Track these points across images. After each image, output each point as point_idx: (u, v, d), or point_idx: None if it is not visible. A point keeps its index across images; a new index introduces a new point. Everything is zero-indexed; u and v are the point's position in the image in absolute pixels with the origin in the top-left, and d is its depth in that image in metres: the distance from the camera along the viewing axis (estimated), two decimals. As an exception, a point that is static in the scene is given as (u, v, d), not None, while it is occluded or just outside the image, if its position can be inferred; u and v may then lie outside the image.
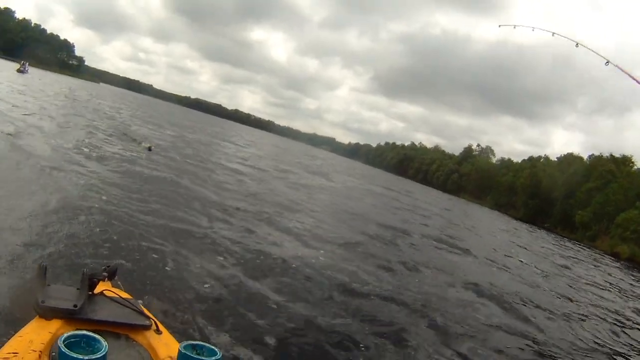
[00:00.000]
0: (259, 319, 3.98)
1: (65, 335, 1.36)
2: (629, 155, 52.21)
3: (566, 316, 7.50)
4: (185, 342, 1.59)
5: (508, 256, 13.50)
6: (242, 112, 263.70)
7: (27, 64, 46.76)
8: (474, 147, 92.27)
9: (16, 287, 3.12)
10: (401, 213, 17.49)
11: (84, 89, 50.14)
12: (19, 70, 42.07)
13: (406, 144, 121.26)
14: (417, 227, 13.95)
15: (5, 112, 12.01)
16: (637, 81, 6.52)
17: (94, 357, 1.29)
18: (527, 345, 5.39)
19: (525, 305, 7.31)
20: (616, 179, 47.45)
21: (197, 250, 5.27)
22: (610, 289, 12.98)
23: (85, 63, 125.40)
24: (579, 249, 30.60)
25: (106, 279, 2.32)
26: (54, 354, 1.58)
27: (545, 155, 73.10)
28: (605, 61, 6.97)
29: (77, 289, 2.02)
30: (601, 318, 8.24)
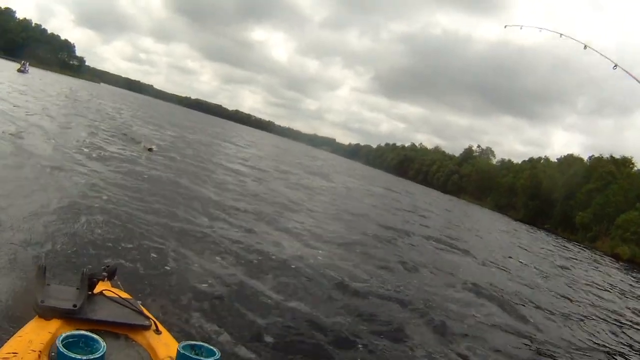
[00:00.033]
0: (259, 318, 3.99)
1: (64, 335, 1.36)
2: (629, 157, 52.23)
3: (565, 316, 7.51)
4: (184, 342, 1.59)
5: (508, 257, 13.50)
6: (242, 112, 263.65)
7: (28, 64, 46.81)
8: (475, 148, 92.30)
9: (16, 287, 3.12)
10: (401, 214, 17.49)
11: (85, 89, 50.17)
12: (19, 70, 42.13)
13: (406, 145, 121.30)
14: (417, 227, 13.95)
15: (6, 112, 12.03)
16: None
17: (92, 357, 1.29)
18: (525, 344, 5.40)
19: (524, 306, 7.32)
20: (616, 180, 47.42)
21: (197, 250, 5.29)
22: (610, 290, 12.98)
23: (86, 63, 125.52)
24: (579, 250, 30.58)
25: (106, 278, 2.32)
26: (53, 354, 1.58)
27: (545, 156, 73.11)
28: (613, 65, 6.93)
29: (77, 288, 2.02)
30: (601, 318, 8.24)
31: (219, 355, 1.55)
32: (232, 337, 3.52)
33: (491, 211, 57.10)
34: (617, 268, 23.47)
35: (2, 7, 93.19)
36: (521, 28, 9.40)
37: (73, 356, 1.26)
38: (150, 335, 1.93)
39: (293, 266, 5.73)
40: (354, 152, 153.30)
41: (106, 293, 2.10)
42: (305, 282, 5.30)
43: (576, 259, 21.09)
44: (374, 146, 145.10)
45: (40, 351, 1.58)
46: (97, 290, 2.09)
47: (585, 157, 60.80)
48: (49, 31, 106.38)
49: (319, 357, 3.70)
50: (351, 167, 65.01)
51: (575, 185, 51.35)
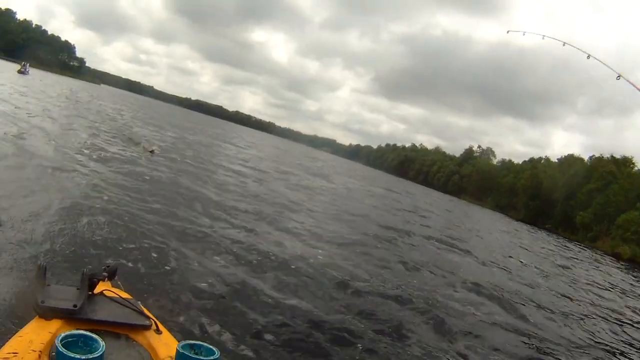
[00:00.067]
0: (259, 317, 4.00)
1: (63, 334, 1.36)
2: (630, 156, 52.27)
3: (566, 315, 7.52)
4: (184, 342, 1.59)
5: (508, 257, 13.51)
6: (242, 113, 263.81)
7: (28, 64, 46.79)
8: (475, 148, 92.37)
9: (16, 287, 3.13)
10: (402, 214, 17.49)
11: (85, 90, 50.21)
12: (19, 71, 42.11)
13: (407, 146, 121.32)
14: (418, 228, 13.95)
15: (8, 113, 12.06)
16: None
17: (91, 356, 1.29)
18: (525, 343, 5.41)
19: (525, 305, 7.32)
20: (617, 180, 47.45)
21: (197, 250, 5.30)
22: (611, 289, 12.98)
23: (86, 64, 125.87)
24: (580, 249, 30.57)
25: (106, 279, 2.32)
26: (53, 353, 1.58)
27: (545, 156, 73.11)
28: (617, 75, 6.95)
29: (77, 289, 2.02)
30: (601, 317, 8.25)
31: (218, 354, 1.55)
32: (232, 337, 3.53)
33: (492, 211, 57.10)
34: (618, 267, 23.47)
35: (3, 8, 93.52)
36: (524, 34, 9.42)
37: (72, 356, 1.26)
38: (150, 335, 1.93)
39: (293, 266, 5.74)
40: (355, 153, 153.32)
41: (106, 293, 2.09)
42: (305, 281, 5.31)
43: (577, 259, 21.09)
44: (375, 147, 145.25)
45: (40, 351, 1.58)
46: (97, 290, 2.09)
47: (586, 157, 60.96)
48: (49, 32, 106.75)
49: (319, 356, 3.71)
50: (351, 168, 65.02)
51: (576, 185, 51.38)
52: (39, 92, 25.38)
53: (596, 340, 6.52)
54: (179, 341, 1.72)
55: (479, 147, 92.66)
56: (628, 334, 7.54)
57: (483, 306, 6.46)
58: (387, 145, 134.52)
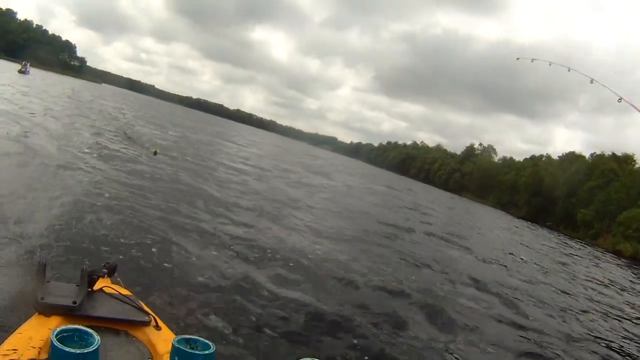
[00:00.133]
0: (259, 312, 4.05)
1: (58, 329, 1.36)
2: (631, 154, 52.17)
3: (564, 311, 7.56)
4: (179, 336, 1.59)
5: (509, 254, 13.54)
6: (243, 112, 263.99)
7: (29, 64, 46.84)
8: (476, 146, 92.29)
9: (16, 284, 3.16)
10: (402, 211, 17.53)
11: (87, 89, 50.27)
12: (20, 71, 42.16)
13: (408, 143, 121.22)
14: (419, 225, 13.99)
15: (11, 113, 12.13)
16: None
17: (86, 351, 1.29)
18: (523, 337, 5.46)
19: (524, 300, 7.36)
20: (618, 177, 47.37)
21: (198, 246, 5.34)
22: (611, 286, 13.01)
23: (87, 64, 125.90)
24: (581, 247, 30.56)
25: (106, 275, 2.32)
26: None
27: (547, 154, 72.96)
28: (618, 98, 7.09)
29: (77, 285, 2.02)
30: (600, 313, 8.29)
31: (214, 348, 1.55)
32: (232, 331, 3.57)
33: (493, 209, 57.06)
34: (619, 265, 23.48)
35: (3, 8, 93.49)
36: (532, 61, 9.77)
37: (67, 350, 1.26)
38: (150, 331, 1.94)
39: (292, 262, 5.78)
40: (356, 151, 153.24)
41: (106, 290, 2.09)
42: (304, 276, 5.36)
43: (577, 256, 21.10)
44: (376, 145, 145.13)
45: (40, 348, 1.59)
46: (97, 287, 2.08)
47: (587, 155, 60.83)
48: (50, 32, 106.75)
49: (317, 349, 3.76)
50: (352, 166, 65.02)
51: (577, 182, 51.31)
52: (41, 91, 25.44)
53: (594, 334, 6.57)
54: None
55: (480, 144, 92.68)
56: (627, 330, 7.59)
57: (482, 301, 6.51)
58: (388, 143, 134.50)
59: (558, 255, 18.37)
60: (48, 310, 1.83)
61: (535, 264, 12.84)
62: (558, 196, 53.66)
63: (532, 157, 71.69)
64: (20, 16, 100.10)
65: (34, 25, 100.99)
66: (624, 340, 6.85)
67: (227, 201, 8.71)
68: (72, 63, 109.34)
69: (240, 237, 6.24)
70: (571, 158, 61.34)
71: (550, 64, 9.41)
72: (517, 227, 31.36)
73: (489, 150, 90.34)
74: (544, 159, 69.32)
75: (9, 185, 5.64)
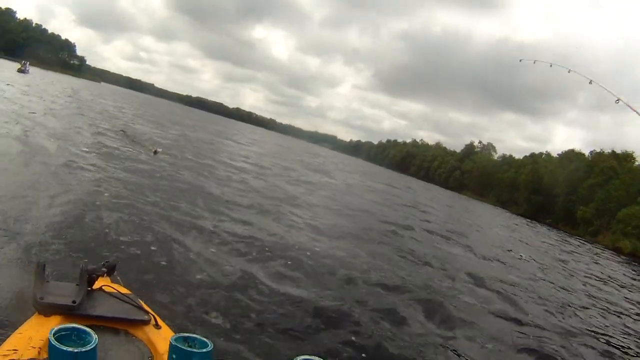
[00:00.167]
0: (260, 310, 4.06)
1: (56, 328, 1.36)
2: (631, 151, 52.23)
3: (563, 306, 7.59)
4: (177, 335, 1.58)
5: (508, 251, 13.58)
6: (243, 110, 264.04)
7: (28, 63, 46.80)
8: (476, 143, 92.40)
9: (15, 284, 3.16)
10: (402, 209, 17.56)
11: (87, 88, 50.25)
12: (19, 70, 42.13)
13: (408, 141, 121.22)
14: (418, 222, 14.01)
15: (11, 112, 12.16)
16: None
17: (83, 349, 1.28)
18: (522, 332, 5.48)
19: (522, 297, 7.39)
20: (618, 175, 47.43)
21: (197, 244, 5.35)
22: (611, 282, 13.04)
23: (87, 62, 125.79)
24: (581, 244, 30.61)
25: (105, 274, 2.31)
26: None
27: (546, 151, 73.08)
28: (616, 99, 7.16)
29: (76, 285, 2.02)
30: (599, 309, 8.32)
31: (212, 346, 1.54)
32: (232, 328, 3.59)
33: (493, 207, 57.11)
34: (619, 262, 23.53)
35: (3, 7, 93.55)
36: (534, 62, 10.09)
37: (64, 349, 1.26)
38: (150, 330, 1.94)
39: (291, 260, 5.78)
40: (356, 149, 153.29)
41: (105, 289, 2.09)
42: (303, 272, 5.38)
43: (577, 253, 21.15)
44: (376, 143, 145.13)
45: (40, 348, 1.60)
46: (96, 286, 2.08)
47: (587, 152, 60.88)
48: (49, 31, 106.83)
49: (317, 345, 3.78)
50: (352, 164, 65.02)
51: (577, 180, 51.39)
52: (41, 90, 25.45)
53: (593, 330, 6.60)
54: None
55: (480, 142, 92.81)
56: (626, 326, 7.62)
57: (481, 297, 6.54)
58: (388, 141, 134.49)
59: (558, 252, 18.41)
60: (48, 310, 1.84)
61: (535, 260, 12.87)
62: (558, 194, 53.72)
63: (532, 155, 71.81)
64: (20, 15, 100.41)
65: (34, 24, 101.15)
66: (623, 336, 6.88)
67: (227, 199, 8.73)
68: (71, 62, 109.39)
69: (240, 235, 6.26)
70: (571, 156, 61.40)
71: (551, 66, 9.50)
72: (516, 225, 31.39)
73: (489, 148, 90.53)
74: (543, 156, 69.40)
75: (9, 184, 5.66)
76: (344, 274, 5.75)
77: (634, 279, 16.26)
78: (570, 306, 7.82)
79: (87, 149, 9.87)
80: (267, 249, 5.95)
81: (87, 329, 1.38)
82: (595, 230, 43.42)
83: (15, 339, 1.66)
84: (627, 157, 51.89)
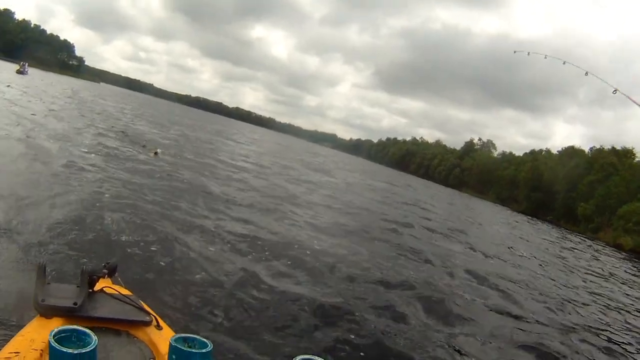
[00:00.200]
0: (260, 309, 4.08)
1: (56, 330, 1.36)
2: (631, 147, 52.15)
3: (563, 303, 7.60)
4: (177, 335, 1.58)
5: (508, 247, 13.59)
6: (243, 109, 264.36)
7: (27, 64, 46.73)
8: (476, 141, 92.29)
9: (16, 286, 3.17)
10: (402, 207, 17.57)
11: (86, 89, 50.26)
12: (18, 71, 42.05)
13: (408, 139, 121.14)
14: (418, 220, 14.02)
15: (12, 113, 12.17)
16: None
17: (83, 351, 1.29)
18: (521, 329, 5.50)
19: (523, 293, 7.41)
20: (618, 171, 47.37)
21: (198, 244, 5.36)
22: (612, 279, 13.05)
23: (86, 63, 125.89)
24: (581, 240, 30.61)
25: (106, 275, 2.33)
26: None
27: (546, 148, 73.00)
28: (614, 89, 7.19)
29: (77, 286, 2.02)
30: (602, 305, 8.33)
31: (211, 347, 1.54)
32: (233, 328, 3.61)
33: (493, 204, 57.11)
34: (620, 258, 23.53)
35: (1, 8, 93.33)
36: (528, 54, 10.22)
37: (64, 350, 1.26)
38: (151, 331, 1.94)
39: (291, 259, 5.79)
40: (356, 147, 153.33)
41: (107, 290, 2.10)
42: (305, 272, 5.39)
43: (578, 250, 21.15)
44: (375, 141, 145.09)
45: (41, 350, 1.60)
46: (97, 287, 2.09)
47: (587, 149, 60.82)
48: (48, 32, 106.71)
49: (318, 342, 3.79)
50: (352, 162, 65.03)
51: (577, 176, 51.33)
52: (40, 91, 25.45)
53: (593, 326, 6.61)
54: None
55: (480, 139, 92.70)
56: (627, 322, 7.63)
57: (482, 294, 6.55)
58: (388, 139, 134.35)
59: (558, 249, 18.42)
60: (49, 312, 1.84)
61: (535, 257, 12.89)
62: (558, 190, 53.68)
63: (532, 152, 71.74)
64: (18, 16, 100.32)
65: (32, 25, 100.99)
66: (623, 332, 6.89)
67: (227, 198, 8.74)
68: (70, 63, 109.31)
69: (240, 234, 6.27)
70: (570, 152, 61.33)
71: (545, 57, 9.52)
72: (517, 222, 31.40)
73: (488, 145, 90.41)
74: (543, 153, 69.33)
75: (10, 185, 5.66)
76: (344, 272, 5.76)
77: (635, 275, 16.26)
78: (571, 302, 7.83)
79: (87, 150, 9.87)
80: (267, 248, 5.96)
81: (87, 330, 1.39)
82: (596, 227, 43.39)
83: (17, 342, 1.66)
84: (627, 153, 51.81)
